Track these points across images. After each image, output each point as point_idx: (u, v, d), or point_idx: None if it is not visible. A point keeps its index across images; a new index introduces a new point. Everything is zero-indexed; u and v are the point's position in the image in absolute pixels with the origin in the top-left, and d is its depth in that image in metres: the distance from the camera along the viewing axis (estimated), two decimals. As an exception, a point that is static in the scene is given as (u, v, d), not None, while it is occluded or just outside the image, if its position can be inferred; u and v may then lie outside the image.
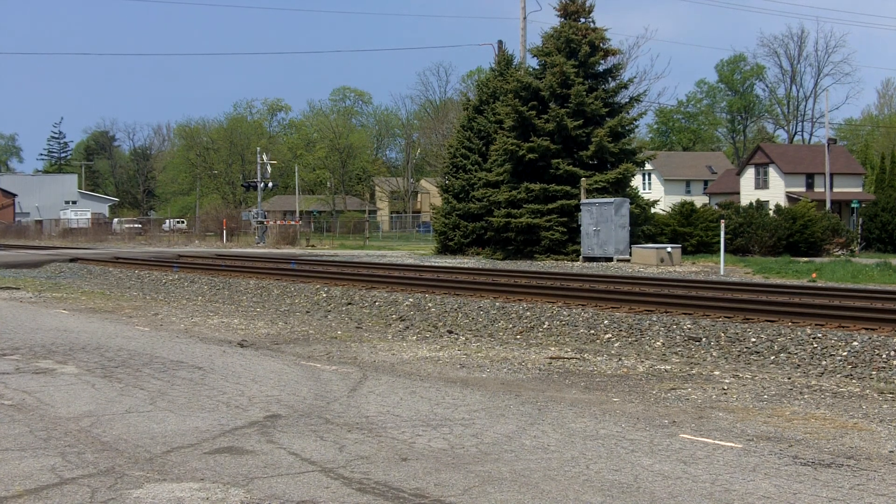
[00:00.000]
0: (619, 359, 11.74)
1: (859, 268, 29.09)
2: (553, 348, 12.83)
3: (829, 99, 64.74)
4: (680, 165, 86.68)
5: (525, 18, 45.92)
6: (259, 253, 45.88)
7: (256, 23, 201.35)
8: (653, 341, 13.07)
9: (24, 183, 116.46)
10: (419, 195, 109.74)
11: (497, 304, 16.78)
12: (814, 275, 26.58)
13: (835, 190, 59.54)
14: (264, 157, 66.20)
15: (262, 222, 63.12)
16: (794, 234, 40.66)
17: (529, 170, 39.23)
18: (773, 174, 68.08)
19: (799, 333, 12.22)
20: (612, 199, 35.77)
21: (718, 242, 31.22)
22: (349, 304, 18.78)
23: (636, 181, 54.73)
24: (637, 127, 47.55)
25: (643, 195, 45.21)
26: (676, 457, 6.67)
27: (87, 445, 6.95)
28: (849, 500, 5.67)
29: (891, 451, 6.93)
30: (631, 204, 36.91)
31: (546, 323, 14.91)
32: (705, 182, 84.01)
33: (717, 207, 45.98)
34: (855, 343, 11.50)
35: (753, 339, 12.34)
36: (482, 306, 16.66)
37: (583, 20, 40.30)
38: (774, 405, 8.76)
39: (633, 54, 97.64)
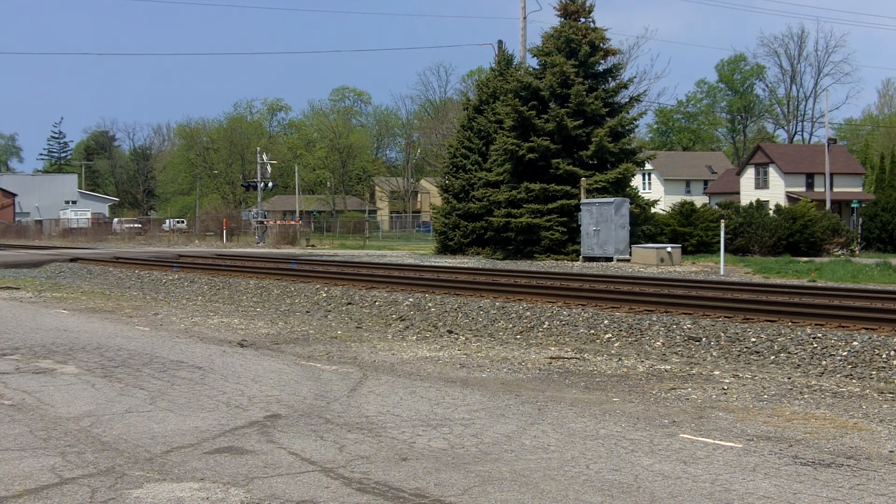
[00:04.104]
0: (619, 359, 11.74)
1: (859, 268, 29.09)
2: (553, 348, 12.83)
3: (829, 99, 64.78)
4: (680, 165, 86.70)
5: (525, 18, 45.94)
6: (259, 253, 45.87)
7: (256, 23, 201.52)
8: (653, 341, 13.07)
9: (24, 183, 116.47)
10: (419, 195, 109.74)
11: (497, 303, 16.77)
12: (813, 274, 26.58)
13: (835, 190, 59.54)
14: (264, 157, 66.20)
15: (262, 222, 63.13)
16: (794, 234, 40.65)
17: (529, 170, 39.23)
18: (773, 174, 68.08)
19: (799, 333, 12.22)
20: (612, 199, 35.76)
21: (718, 242, 31.22)
22: (349, 303, 18.78)
23: (636, 181, 54.72)
24: (637, 127, 47.63)
25: (643, 195, 45.20)
26: (676, 457, 6.67)
27: (87, 445, 6.96)
28: (849, 500, 5.67)
29: (891, 451, 6.93)
30: (631, 204, 36.91)
31: (546, 323, 14.91)
32: (705, 182, 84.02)
33: (717, 207, 45.96)
34: (855, 343, 11.50)
35: (753, 339, 12.34)
36: (482, 306, 16.66)
37: (583, 20, 40.30)
38: (774, 405, 8.76)
39: (633, 54, 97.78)
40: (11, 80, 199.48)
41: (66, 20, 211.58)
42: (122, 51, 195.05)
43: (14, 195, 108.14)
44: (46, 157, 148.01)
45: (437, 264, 33.23)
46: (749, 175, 70.34)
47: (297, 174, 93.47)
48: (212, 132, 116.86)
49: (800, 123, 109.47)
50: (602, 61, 40.30)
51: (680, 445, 7.02)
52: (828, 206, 52.28)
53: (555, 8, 40.81)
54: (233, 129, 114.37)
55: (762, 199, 55.45)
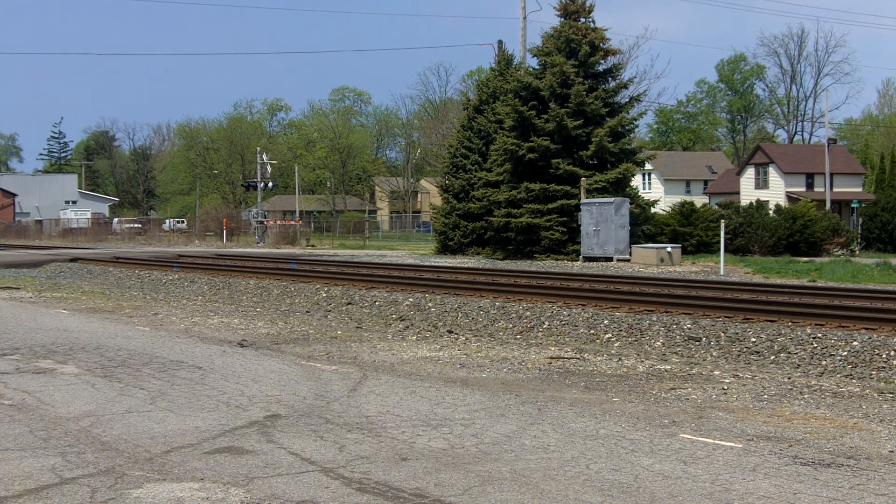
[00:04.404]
0: (619, 359, 11.74)
1: (859, 268, 29.09)
2: (553, 348, 12.83)
3: (829, 99, 64.78)
4: (680, 165, 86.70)
5: (525, 18, 45.95)
6: (259, 253, 45.87)
7: (256, 23, 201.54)
8: (653, 341, 13.07)
9: (24, 183, 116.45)
10: (419, 195, 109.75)
11: (497, 303, 16.77)
12: (813, 274, 26.58)
13: (835, 190, 59.53)
14: (264, 157, 66.19)
15: (262, 222, 63.12)
16: (794, 234, 40.65)
17: (529, 170, 39.23)
18: (773, 174, 68.08)
19: (799, 333, 12.22)
20: (612, 199, 35.76)
21: (718, 242, 31.22)
22: (349, 303, 18.78)
23: (636, 181, 54.72)
24: (637, 127, 47.63)
25: (643, 195, 45.21)
26: (676, 457, 6.67)
27: (87, 445, 6.96)
28: (849, 500, 5.67)
29: (891, 451, 6.93)
30: (631, 204, 36.91)
31: (546, 323, 14.91)
32: (705, 182, 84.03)
33: (717, 207, 45.96)
34: (855, 343, 11.50)
35: (753, 339, 12.34)
36: (482, 306, 16.66)
37: (583, 20, 40.31)
38: (774, 405, 8.76)
39: (633, 54, 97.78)
40: (11, 80, 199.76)
41: (66, 20, 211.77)
42: (122, 51, 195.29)
43: (14, 195, 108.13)
44: (46, 157, 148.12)
45: (437, 264, 33.23)
46: (749, 175, 70.34)
47: (297, 174, 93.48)
48: (212, 132, 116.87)
49: (800, 123, 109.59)
50: (602, 61, 40.30)
51: (680, 445, 7.02)
52: (828, 206, 52.28)
53: (555, 8, 40.85)
54: (233, 129, 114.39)
55: (762, 199, 55.46)
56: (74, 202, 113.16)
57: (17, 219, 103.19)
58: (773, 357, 11.67)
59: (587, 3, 40.42)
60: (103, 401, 8.65)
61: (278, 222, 65.68)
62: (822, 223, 41.92)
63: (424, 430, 7.47)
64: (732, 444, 7.05)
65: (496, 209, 40.14)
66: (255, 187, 66.07)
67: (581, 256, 36.42)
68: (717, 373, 10.70)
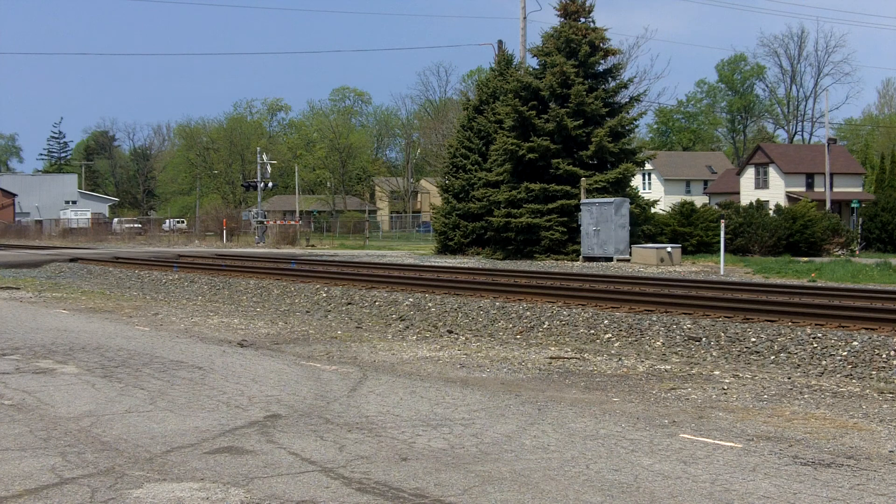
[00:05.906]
0: (619, 359, 11.74)
1: (859, 268, 29.09)
2: (553, 348, 12.83)
3: (829, 99, 64.78)
4: (680, 165, 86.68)
5: (525, 18, 45.93)
6: (259, 253, 45.86)
7: (256, 23, 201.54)
8: (653, 341, 13.07)
9: (24, 183, 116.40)
10: (419, 195, 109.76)
11: (497, 303, 16.77)
12: (813, 275, 26.58)
13: (835, 190, 59.53)
14: (264, 157, 66.17)
15: (262, 222, 63.10)
16: (794, 234, 40.65)
17: (529, 170, 39.23)
18: (773, 174, 68.08)
19: (799, 333, 12.22)
20: (612, 199, 35.76)
21: (718, 242, 31.22)
22: (349, 303, 18.78)
23: (636, 181, 54.75)
24: (637, 127, 47.61)
25: (643, 195, 45.21)
26: (676, 457, 6.67)
27: (87, 445, 6.96)
28: (849, 500, 5.68)
29: (891, 451, 6.93)
30: (631, 204, 36.91)
31: (546, 323, 14.91)
32: (705, 182, 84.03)
33: (717, 207, 45.95)
34: (855, 343, 11.50)
35: (753, 339, 12.34)
36: (482, 306, 16.65)
37: (583, 20, 40.30)
38: (774, 405, 8.76)
39: (633, 54, 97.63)
40: (11, 80, 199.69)
41: (66, 20, 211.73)
42: (122, 51, 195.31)
43: (14, 195, 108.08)
44: (46, 157, 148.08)
45: (437, 264, 33.22)
46: (749, 175, 70.35)
47: (297, 174, 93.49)
48: (212, 132, 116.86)
49: (800, 123, 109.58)
50: (602, 61, 40.29)
51: (680, 445, 7.02)
52: (828, 206, 52.28)
53: (555, 8, 40.84)
54: (233, 129, 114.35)
55: (762, 199, 55.47)
56: (74, 202, 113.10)
57: (17, 219, 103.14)
58: (773, 357, 11.67)
59: (587, 3, 40.42)
60: (103, 401, 8.65)
61: (278, 222, 65.66)
62: (822, 223, 41.93)
63: (424, 430, 7.47)
64: (732, 444, 7.05)
65: (496, 209, 40.13)
66: (255, 187, 66.05)
67: (581, 256, 36.41)
68: (717, 373, 10.70)
